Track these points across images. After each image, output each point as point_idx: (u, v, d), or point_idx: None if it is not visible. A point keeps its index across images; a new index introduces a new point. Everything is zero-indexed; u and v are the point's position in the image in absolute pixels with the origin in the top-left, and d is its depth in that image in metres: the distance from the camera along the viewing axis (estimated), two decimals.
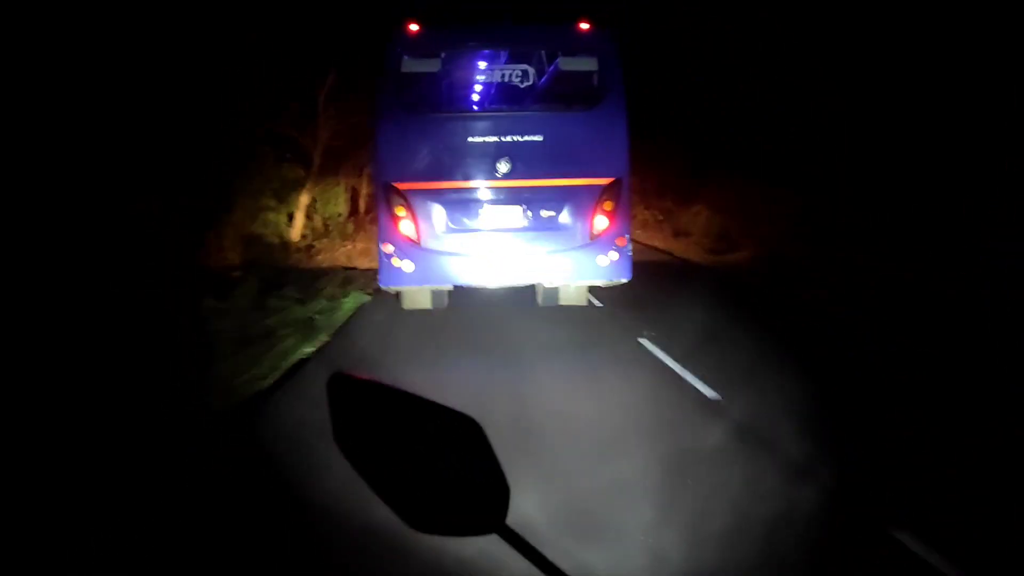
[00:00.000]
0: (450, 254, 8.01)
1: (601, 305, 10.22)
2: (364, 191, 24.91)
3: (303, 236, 19.31)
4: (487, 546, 2.81)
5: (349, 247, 18.71)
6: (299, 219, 19.40)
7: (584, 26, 8.11)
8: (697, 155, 22.50)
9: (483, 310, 10.19)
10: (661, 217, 23.44)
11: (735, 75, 18.46)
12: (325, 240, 19.66)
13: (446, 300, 9.56)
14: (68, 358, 6.18)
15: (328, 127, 18.91)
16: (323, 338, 8.77)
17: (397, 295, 9.06)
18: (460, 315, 9.76)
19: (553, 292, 9.33)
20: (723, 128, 19.77)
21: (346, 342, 8.69)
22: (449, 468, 1.00)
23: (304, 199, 19.48)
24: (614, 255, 8.10)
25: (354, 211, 24.16)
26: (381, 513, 1.02)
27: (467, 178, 7.99)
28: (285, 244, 18.22)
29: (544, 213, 8.07)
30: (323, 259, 17.08)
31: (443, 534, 1.00)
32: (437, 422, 1.01)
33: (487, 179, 7.98)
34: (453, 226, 8.02)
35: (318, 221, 21.10)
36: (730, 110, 19.16)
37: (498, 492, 0.95)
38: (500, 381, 6.67)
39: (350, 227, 21.67)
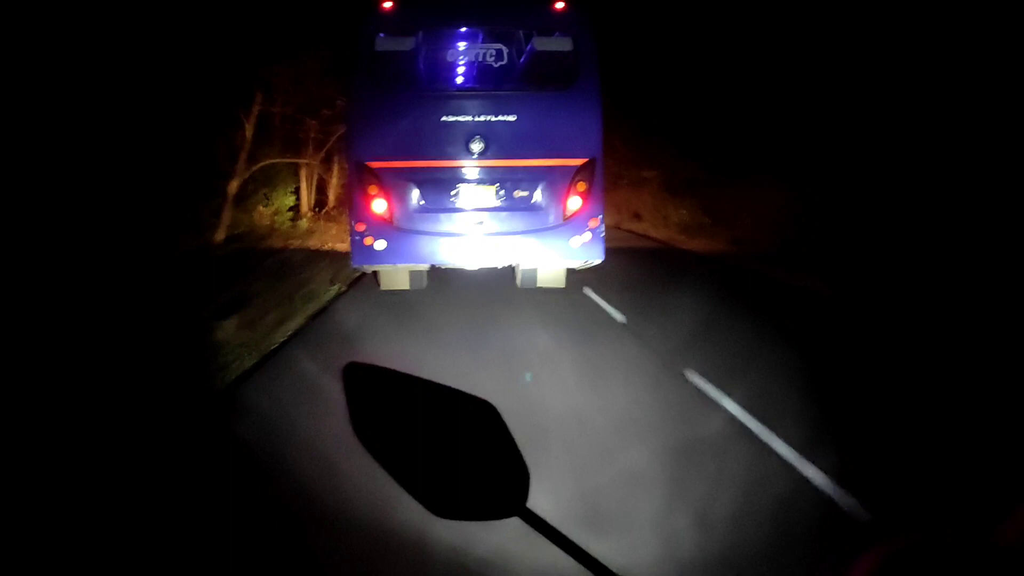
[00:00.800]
0: (423, 233, 8.00)
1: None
2: (335, 181, 23.85)
3: (228, 235, 16.51)
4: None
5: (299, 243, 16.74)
6: (226, 215, 16.57)
7: (559, 5, 8.08)
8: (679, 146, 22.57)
9: (463, 293, 10.21)
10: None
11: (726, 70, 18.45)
12: (266, 240, 16.98)
13: (425, 281, 9.57)
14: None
15: (278, 101, 16.97)
16: None
17: (375, 275, 9.03)
18: (436, 300, 9.78)
19: (532, 274, 9.37)
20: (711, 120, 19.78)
21: None
22: (468, 453, 1.00)
23: (233, 186, 16.66)
24: (587, 236, 8.12)
25: (321, 203, 22.99)
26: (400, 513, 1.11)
27: (440, 157, 7.97)
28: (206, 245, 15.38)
29: (518, 193, 8.06)
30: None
31: (465, 519, 1.00)
32: (454, 407, 1.01)
33: (460, 159, 7.96)
34: (426, 205, 8.01)
35: (263, 215, 18.80)
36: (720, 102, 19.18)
37: (518, 475, 0.96)
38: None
39: (303, 224, 19.55)
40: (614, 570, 0.83)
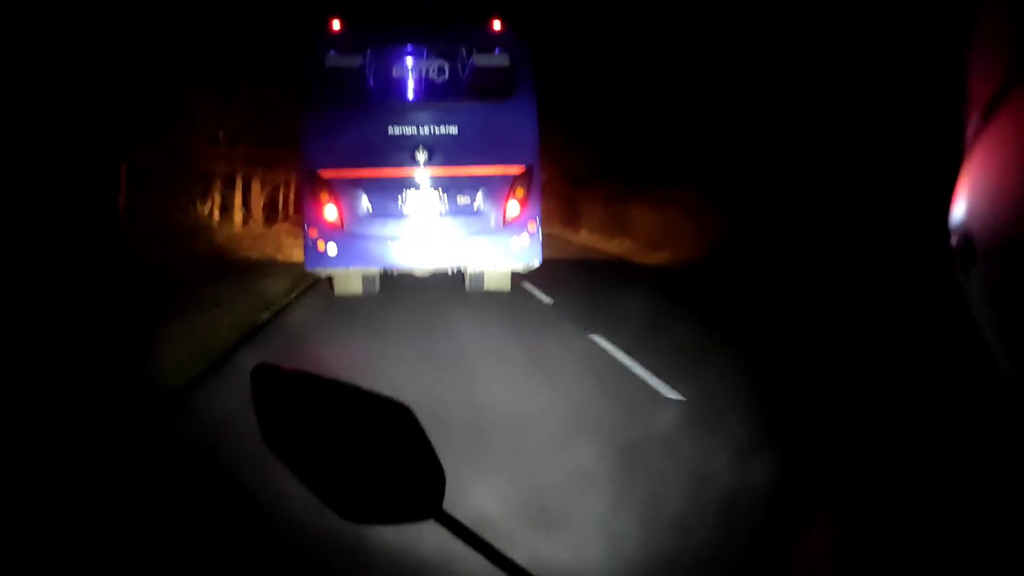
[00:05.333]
0: (372, 238, 8.53)
1: None
2: (285, 191, 23.81)
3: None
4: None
5: None
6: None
7: (497, 26, 8.73)
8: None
9: (420, 291, 10.73)
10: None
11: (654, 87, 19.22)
12: None
13: (377, 286, 9.99)
14: None
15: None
16: None
17: (330, 282, 9.51)
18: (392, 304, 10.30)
19: (479, 278, 9.84)
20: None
21: None
22: (380, 456, 0.96)
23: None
24: (525, 240, 8.73)
25: (271, 216, 22.91)
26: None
27: (387, 166, 8.53)
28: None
29: (460, 199, 8.65)
30: None
31: (377, 523, 1.00)
32: (368, 409, 0.96)
33: (406, 167, 8.53)
34: (374, 211, 8.54)
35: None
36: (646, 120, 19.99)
37: (434, 478, 0.93)
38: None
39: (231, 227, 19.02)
40: (533, 572, 0.84)
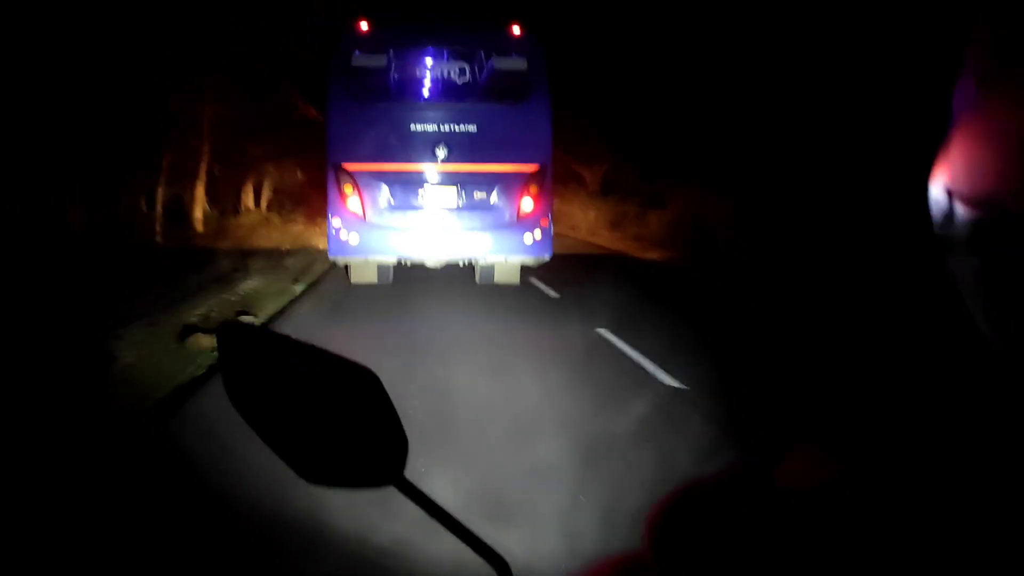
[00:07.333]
0: (392, 228, 9.00)
1: None
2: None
3: None
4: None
5: None
6: None
7: (516, 30, 9.19)
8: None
9: (432, 285, 11.18)
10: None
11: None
12: None
13: (391, 276, 10.44)
14: None
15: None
16: None
17: (346, 269, 9.99)
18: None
19: (489, 271, 10.31)
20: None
21: None
22: (344, 420, 0.95)
23: None
24: (538, 234, 9.20)
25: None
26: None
27: (408, 161, 9.01)
28: None
29: (477, 195, 9.12)
30: None
31: (337, 486, 1.01)
32: (332, 373, 0.96)
33: (426, 163, 9.01)
34: (395, 204, 9.01)
35: None
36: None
37: (396, 445, 0.92)
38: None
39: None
40: (493, 547, 0.83)
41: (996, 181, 0.40)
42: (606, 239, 21.91)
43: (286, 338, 0.97)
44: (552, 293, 10.24)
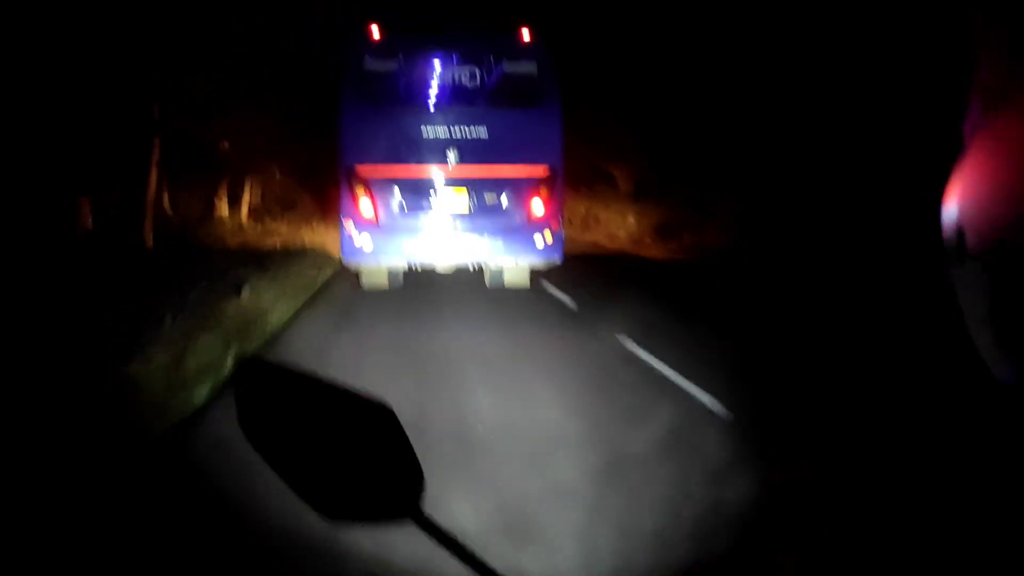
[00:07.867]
0: (404, 231, 9.08)
1: None
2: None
3: None
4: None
5: None
6: None
7: (525, 35, 9.28)
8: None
9: (444, 289, 11.19)
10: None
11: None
12: None
13: (401, 280, 10.46)
14: None
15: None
16: None
17: (356, 274, 10.05)
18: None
19: (499, 275, 10.36)
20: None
21: None
22: (360, 455, 0.97)
23: None
24: (548, 238, 9.27)
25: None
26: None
27: (420, 165, 9.09)
28: None
29: (488, 198, 9.20)
30: None
31: (355, 521, 1.01)
32: (347, 408, 0.98)
33: (438, 166, 9.09)
34: (407, 207, 9.09)
35: None
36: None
37: (412, 478, 0.93)
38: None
39: None
40: None
41: (1006, 204, 0.40)
42: (658, 252, 18.42)
43: (301, 373, 1.02)
44: (644, 355, 7.19)
